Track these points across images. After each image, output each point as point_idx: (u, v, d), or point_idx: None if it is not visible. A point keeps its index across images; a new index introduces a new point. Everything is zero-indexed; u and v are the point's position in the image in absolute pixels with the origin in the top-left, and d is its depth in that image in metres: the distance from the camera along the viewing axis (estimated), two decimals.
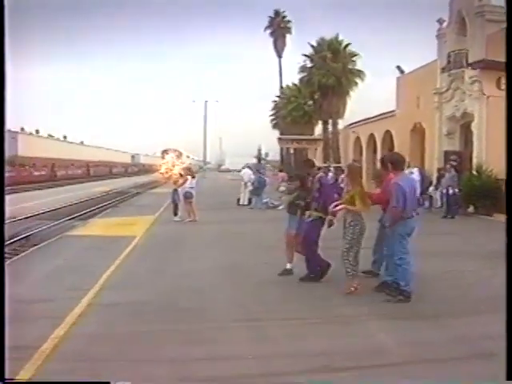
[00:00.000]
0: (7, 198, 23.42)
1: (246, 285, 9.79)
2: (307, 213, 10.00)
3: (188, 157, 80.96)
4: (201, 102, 78.51)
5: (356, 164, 9.98)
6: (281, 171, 29.97)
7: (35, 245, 15.86)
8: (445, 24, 27.61)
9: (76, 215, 24.00)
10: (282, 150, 64.26)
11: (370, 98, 60.32)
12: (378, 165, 10.72)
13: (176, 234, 16.79)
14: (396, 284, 8.60)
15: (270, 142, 75.34)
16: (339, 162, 40.20)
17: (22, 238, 16.83)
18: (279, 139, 41.32)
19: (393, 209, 8.51)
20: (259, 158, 65.66)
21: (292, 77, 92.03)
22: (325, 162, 39.41)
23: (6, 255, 14.51)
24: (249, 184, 26.66)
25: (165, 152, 76.50)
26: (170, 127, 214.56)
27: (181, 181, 20.65)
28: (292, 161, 58.01)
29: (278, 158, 71.48)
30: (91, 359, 6.04)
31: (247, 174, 27.57)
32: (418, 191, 21.90)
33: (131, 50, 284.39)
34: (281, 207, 21.30)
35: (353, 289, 8.78)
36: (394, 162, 9.00)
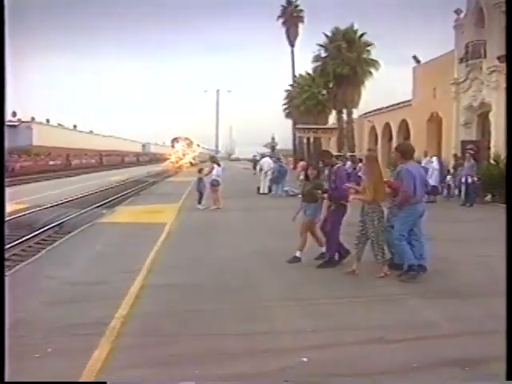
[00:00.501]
0: (29, 186, 24.21)
1: (283, 268, 10.26)
2: (328, 202, 10.46)
3: (198, 145, 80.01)
4: (212, 92, 78.63)
5: (373, 154, 10.38)
6: (301, 160, 30.38)
7: (69, 232, 16.33)
8: (462, 15, 27.89)
9: (101, 203, 24.49)
10: (294, 139, 64.64)
11: (384, 87, 60.48)
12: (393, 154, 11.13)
13: (205, 222, 17.26)
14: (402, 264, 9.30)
15: (279, 131, 75.60)
16: (354, 151, 40.61)
17: (55, 226, 17.32)
18: (296, 128, 41.77)
19: (403, 192, 9.08)
20: (273, 147, 65.95)
21: (304, 66, 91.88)
22: (339, 151, 39.80)
23: (44, 241, 15.13)
24: (269, 173, 27.06)
25: (175, 140, 72.85)
26: (180, 116, 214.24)
27: (206, 169, 21.12)
28: (305, 150, 58.46)
29: (287, 147, 71.90)
30: (159, 335, 6.53)
31: (267, 162, 27.98)
32: (436, 179, 22.51)
33: (142, 40, 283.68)
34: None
35: (383, 274, 9.20)
36: (405, 151, 9.60)
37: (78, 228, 16.52)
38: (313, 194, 10.58)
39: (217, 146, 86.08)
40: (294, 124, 62.24)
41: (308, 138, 51.98)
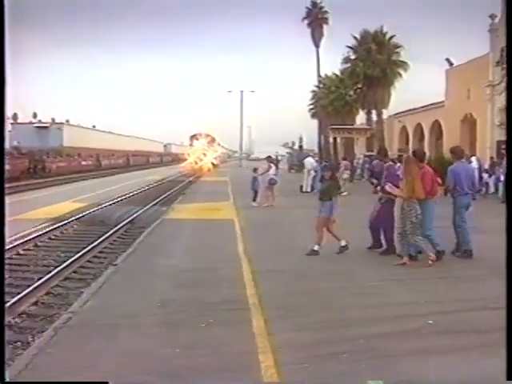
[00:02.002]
0: (73, 186, 25.50)
1: (360, 255, 11.62)
2: (380, 195, 11.85)
3: (219, 144, 75.70)
4: (236, 92, 79.45)
5: (412, 157, 11.78)
6: (344, 159, 31.46)
7: (142, 227, 17.58)
8: (497, 19, 28.93)
9: (154, 202, 25.66)
10: (319, 138, 65.65)
11: (414, 87, 61.56)
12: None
13: (267, 217, 18.55)
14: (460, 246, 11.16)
15: (299, 131, 75.98)
16: None
17: (128, 222, 18.56)
18: (331, 128, 42.86)
19: (447, 188, 11.04)
20: (301, 147, 66.91)
21: (328, 66, 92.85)
22: (371, 151, 40.84)
23: (124, 236, 16.39)
24: (312, 172, 28.21)
25: (194, 137, 60.82)
26: (199, 116, 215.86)
27: (260, 170, 22.36)
28: (331, 150, 59.42)
29: (309, 147, 72.50)
30: (292, 308, 7.78)
31: (310, 162, 29.16)
32: (476, 176, 23.62)
33: (164, 39, 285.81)
34: (345, 193, 22.81)
35: (430, 262, 10.28)
36: (456, 152, 11.65)
37: (148, 224, 17.73)
38: (327, 193, 11.96)
39: (241, 147, 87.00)
40: (320, 124, 63.31)
41: (335, 138, 53.00)
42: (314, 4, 67.59)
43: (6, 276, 11.32)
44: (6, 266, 12.15)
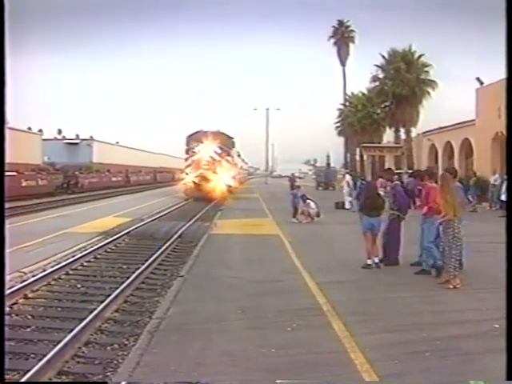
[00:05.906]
0: (109, 202, 26.22)
1: (413, 269, 11.99)
2: (388, 212, 12.61)
3: (239, 155, 70.31)
4: (262, 110, 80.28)
5: (447, 174, 11.56)
6: (381, 177, 31.88)
7: (190, 242, 18.33)
8: None
9: (195, 218, 26.31)
10: (345, 156, 66.44)
11: (442, 106, 62.17)
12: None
13: (311, 233, 19.28)
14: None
15: (322, 149, 76.87)
16: (412, 169, 42.11)
17: (178, 237, 19.27)
18: (363, 147, 43.55)
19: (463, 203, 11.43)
20: (328, 164, 67.67)
21: (354, 85, 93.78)
22: (399, 169, 41.33)
23: (177, 249, 17.13)
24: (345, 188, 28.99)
25: (194, 139, 39.46)
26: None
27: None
28: (358, 167, 60.08)
29: (333, 164, 73.15)
30: (366, 314, 8.52)
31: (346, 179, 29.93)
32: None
33: (191, 55, 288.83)
34: None
35: (451, 286, 10.14)
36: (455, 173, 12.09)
37: (196, 239, 18.48)
38: (376, 209, 12.60)
39: (267, 164, 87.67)
40: (346, 142, 64.10)
41: (361, 156, 53.68)
42: (341, 23, 68.69)
43: (78, 286, 12.25)
44: (77, 277, 13.09)
